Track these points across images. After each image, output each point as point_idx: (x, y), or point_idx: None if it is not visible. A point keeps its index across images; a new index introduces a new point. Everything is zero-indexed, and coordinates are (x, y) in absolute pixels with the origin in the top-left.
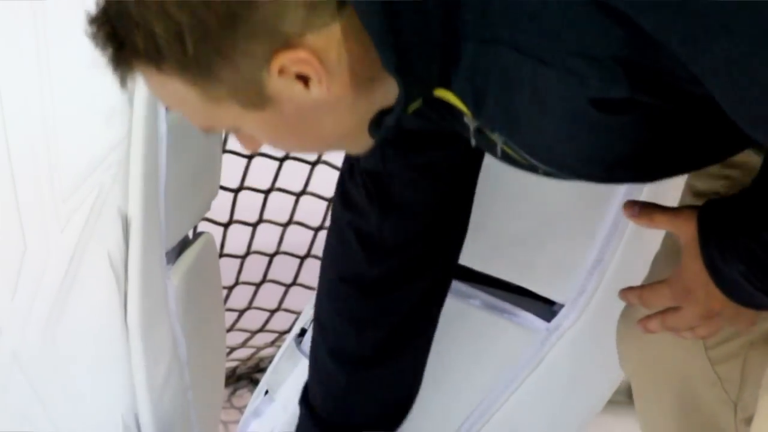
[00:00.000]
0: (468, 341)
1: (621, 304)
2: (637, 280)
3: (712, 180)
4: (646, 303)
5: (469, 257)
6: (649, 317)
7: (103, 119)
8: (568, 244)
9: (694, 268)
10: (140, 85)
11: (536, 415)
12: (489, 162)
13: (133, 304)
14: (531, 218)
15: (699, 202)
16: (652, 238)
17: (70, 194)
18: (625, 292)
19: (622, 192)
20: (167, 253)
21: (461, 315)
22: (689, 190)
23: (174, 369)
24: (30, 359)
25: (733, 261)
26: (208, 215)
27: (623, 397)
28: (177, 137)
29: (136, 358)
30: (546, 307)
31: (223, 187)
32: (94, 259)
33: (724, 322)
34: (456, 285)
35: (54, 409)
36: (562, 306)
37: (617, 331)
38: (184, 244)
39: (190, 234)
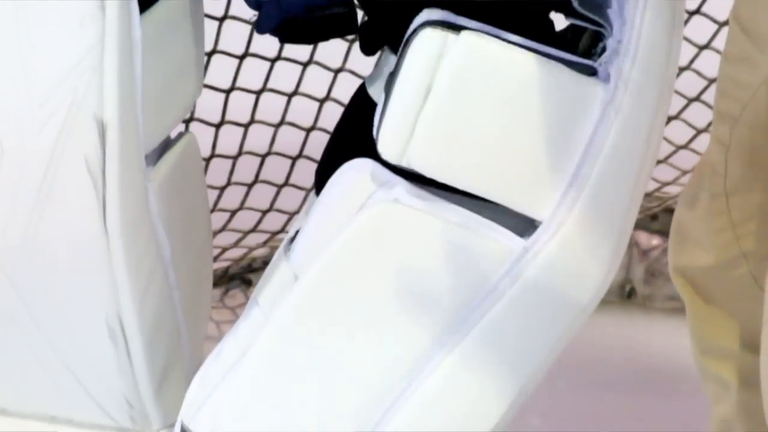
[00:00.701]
0: (440, 259)
1: (601, 218)
2: (617, 194)
3: (731, 101)
4: None
5: (443, 172)
6: None
7: (74, 25)
8: (544, 157)
9: None
10: None
11: (518, 330)
12: None
13: (112, 209)
14: (506, 131)
15: (721, 126)
16: (632, 153)
17: (45, 100)
18: None
19: (598, 106)
20: (147, 156)
21: (434, 232)
22: (717, 111)
23: (158, 271)
24: (11, 263)
25: None
26: (199, 116)
27: (616, 297)
28: (152, 41)
29: (118, 262)
30: (523, 224)
31: (214, 88)
32: (71, 164)
33: None
34: (430, 204)
35: (38, 311)
36: (539, 222)
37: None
38: (165, 146)
39: (173, 134)
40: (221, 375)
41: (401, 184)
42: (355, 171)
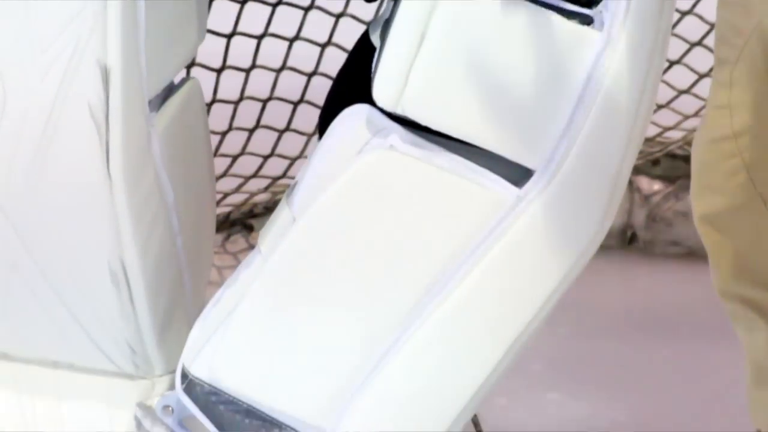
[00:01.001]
0: (433, 206)
1: (595, 167)
2: (613, 141)
3: (728, 47)
4: None
5: (437, 120)
6: None
7: None
8: (538, 106)
9: None
10: None
11: (512, 279)
12: None
13: (115, 153)
14: (499, 80)
15: (721, 71)
16: (627, 100)
17: (48, 45)
18: None
19: (593, 55)
20: (150, 101)
21: (427, 179)
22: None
23: (161, 216)
24: (15, 208)
25: None
26: (201, 61)
27: (617, 242)
28: None
29: (121, 207)
30: (518, 173)
31: (215, 33)
32: (74, 109)
33: None
34: (425, 151)
35: (41, 256)
36: (533, 171)
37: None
38: (169, 91)
39: (176, 80)
40: (220, 319)
41: (397, 132)
42: (353, 117)
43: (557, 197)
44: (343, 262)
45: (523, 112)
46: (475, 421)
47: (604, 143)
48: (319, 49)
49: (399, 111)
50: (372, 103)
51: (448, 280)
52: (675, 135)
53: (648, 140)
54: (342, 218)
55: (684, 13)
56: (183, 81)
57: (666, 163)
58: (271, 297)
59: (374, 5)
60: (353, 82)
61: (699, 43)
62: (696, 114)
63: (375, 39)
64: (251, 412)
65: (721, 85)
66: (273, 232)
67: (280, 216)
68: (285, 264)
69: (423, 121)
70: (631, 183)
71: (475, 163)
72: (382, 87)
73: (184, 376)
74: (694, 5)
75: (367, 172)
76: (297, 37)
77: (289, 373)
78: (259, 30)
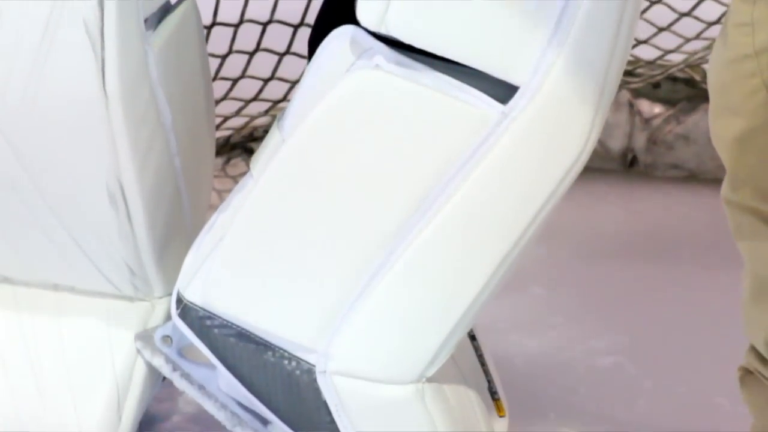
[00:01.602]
0: (419, 123)
1: (579, 81)
2: (596, 54)
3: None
4: None
5: (421, 38)
6: None
7: None
8: (521, 20)
9: None
10: None
11: (499, 195)
12: None
13: (110, 70)
14: None
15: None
16: (609, 13)
17: None
18: None
19: None
20: (147, 20)
21: (408, 96)
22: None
23: (158, 136)
24: (11, 126)
25: None
26: None
27: (618, 166)
28: None
29: (117, 125)
30: (504, 90)
31: None
32: (69, 25)
33: None
34: (409, 70)
35: (38, 176)
36: (517, 88)
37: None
38: (165, 11)
39: (173, 1)
40: (214, 244)
41: (382, 52)
42: (339, 39)
43: (542, 111)
44: (329, 182)
45: (507, 28)
46: (476, 345)
47: (588, 54)
48: None
49: (383, 30)
50: (358, 24)
51: (436, 197)
52: (676, 58)
53: (649, 63)
54: (328, 138)
55: None
56: (179, 1)
57: (667, 86)
58: (260, 220)
59: None
60: (341, 5)
61: None
62: (697, 36)
63: None
64: (244, 335)
65: (744, 1)
66: (264, 156)
67: (272, 140)
68: (273, 187)
69: (407, 40)
70: (631, 106)
71: (461, 81)
72: (366, 7)
73: (179, 301)
74: None
75: (353, 92)
76: None
77: (279, 295)
78: None
